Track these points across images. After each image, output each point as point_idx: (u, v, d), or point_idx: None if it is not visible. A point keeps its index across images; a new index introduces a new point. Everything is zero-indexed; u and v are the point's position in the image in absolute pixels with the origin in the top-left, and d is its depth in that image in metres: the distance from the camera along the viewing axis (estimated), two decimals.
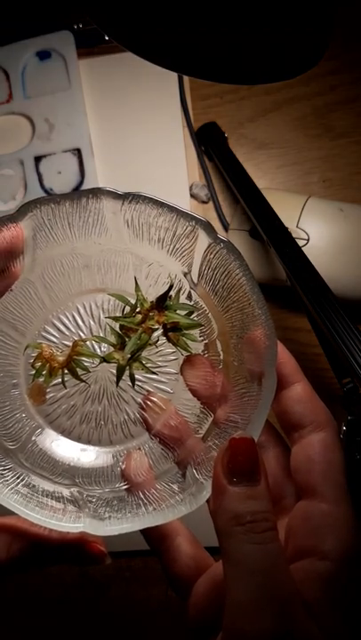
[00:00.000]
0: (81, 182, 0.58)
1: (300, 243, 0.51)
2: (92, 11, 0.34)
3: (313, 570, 0.28)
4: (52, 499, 0.31)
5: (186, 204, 0.58)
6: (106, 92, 0.61)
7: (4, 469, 0.31)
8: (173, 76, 0.60)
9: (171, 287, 0.32)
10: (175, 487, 0.32)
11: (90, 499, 0.32)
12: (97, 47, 0.61)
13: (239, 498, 0.27)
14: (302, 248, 0.48)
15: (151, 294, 0.33)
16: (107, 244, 0.34)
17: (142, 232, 0.33)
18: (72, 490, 0.33)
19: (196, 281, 0.34)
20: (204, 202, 0.59)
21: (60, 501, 0.31)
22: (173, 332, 0.33)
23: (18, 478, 0.31)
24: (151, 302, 0.33)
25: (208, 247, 0.31)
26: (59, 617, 0.54)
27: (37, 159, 0.59)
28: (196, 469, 0.32)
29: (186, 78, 0.60)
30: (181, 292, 0.34)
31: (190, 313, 0.33)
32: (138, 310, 0.33)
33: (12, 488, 0.30)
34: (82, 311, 0.36)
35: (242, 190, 0.54)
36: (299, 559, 0.28)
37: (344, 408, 0.43)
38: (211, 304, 0.34)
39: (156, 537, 0.34)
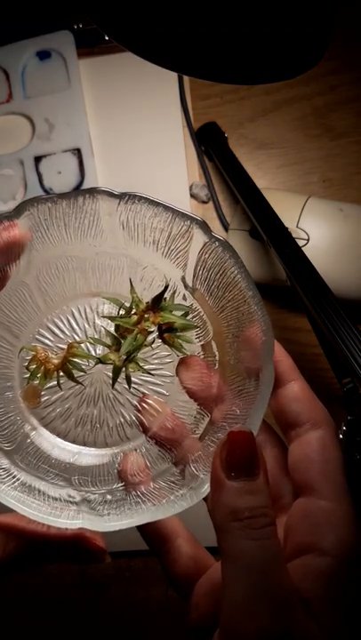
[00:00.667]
0: (81, 182, 0.58)
1: (300, 243, 0.51)
2: (92, 11, 0.34)
3: (313, 566, 0.28)
4: (50, 495, 0.31)
5: (186, 204, 0.58)
6: (106, 92, 0.61)
7: (1, 469, 0.31)
8: (173, 76, 0.60)
9: (166, 288, 0.32)
10: (174, 484, 0.32)
11: (88, 497, 0.32)
12: (97, 47, 0.61)
13: (237, 492, 0.26)
14: (302, 248, 0.48)
15: (146, 297, 0.33)
16: (102, 247, 0.34)
17: (137, 234, 0.33)
18: (70, 489, 0.33)
19: (190, 283, 0.34)
20: (204, 202, 0.59)
21: (58, 498, 0.31)
22: (169, 332, 0.33)
23: (14, 477, 0.31)
24: (147, 303, 0.33)
25: (203, 246, 0.31)
26: (59, 617, 0.54)
27: (37, 159, 0.59)
28: (194, 467, 0.31)
29: (186, 78, 0.60)
30: (176, 294, 0.34)
31: (186, 314, 0.33)
32: (133, 312, 0.33)
33: (9, 485, 0.30)
34: (76, 315, 0.36)
35: (242, 190, 0.54)
36: (298, 556, 0.28)
37: (344, 408, 0.43)
38: (206, 305, 0.34)
39: (156, 538, 0.34)
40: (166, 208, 0.31)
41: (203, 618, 0.31)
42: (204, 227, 0.31)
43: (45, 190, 0.58)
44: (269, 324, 0.30)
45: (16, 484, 0.31)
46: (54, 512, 0.30)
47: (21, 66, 0.60)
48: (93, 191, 0.31)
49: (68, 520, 0.29)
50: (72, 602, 0.54)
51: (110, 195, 0.31)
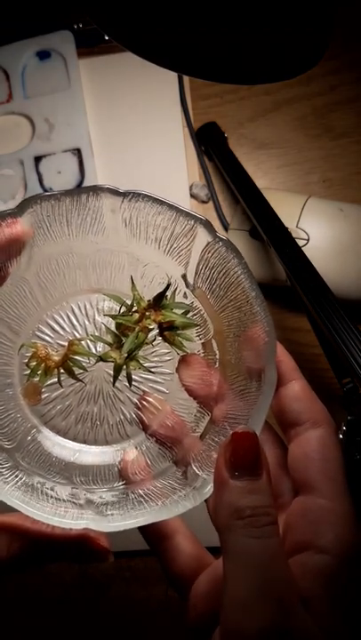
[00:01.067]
0: (81, 182, 0.58)
1: (300, 243, 0.51)
2: (92, 11, 0.34)
3: (311, 564, 0.28)
4: (53, 495, 0.31)
5: (186, 203, 0.58)
6: (106, 91, 0.61)
7: (3, 467, 0.31)
8: (173, 75, 0.60)
9: (168, 286, 0.32)
10: (176, 484, 0.32)
11: (91, 496, 0.32)
12: (97, 47, 0.61)
13: (240, 492, 0.26)
14: (302, 248, 0.48)
15: (146, 295, 0.33)
16: (103, 244, 0.34)
17: (140, 231, 0.33)
18: (71, 488, 0.33)
19: (192, 281, 0.34)
20: (204, 202, 0.59)
21: (61, 498, 0.31)
22: (169, 331, 0.33)
23: (18, 476, 0.31)
24: (148, 301, 0.33)
25: (206, 246, 0.32)
26: (59, 617, 0.54)
27: (37, 159, 0.59)
28: (196, 467, 0.32)
29: (186, 78, 0.60)
30: (177, 292, 0.34)
31: (186, 312, 0.33)
32: (135, 309, 0.33)
33: (12, 485, 0.30)
34: (77, 311, 0.36)
35: (242, 190, 0.54)
36: (296, 554, 0.28)
37: (344, 408, 0.43)
38: (207, 303, 0.34)
39: (155, 536, 0.34)
40: (170, 207, 0.31)
41: (201, 616, 0.31)
42: (209, 226, 0.31)
43: (45, 190, 0.58)
44: (272, 326, 0.30)
45: (19, 483, 0.31)
46: (58, 512, 0.30)
47: (21, 66, 0.60)
48: (97, 189, 0.31)
49: (72, 520, 0.29)
50: (72, 602, 0.54)
51: (114, 192, 0.31)
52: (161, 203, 0.31)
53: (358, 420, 0.39)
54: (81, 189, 0.31)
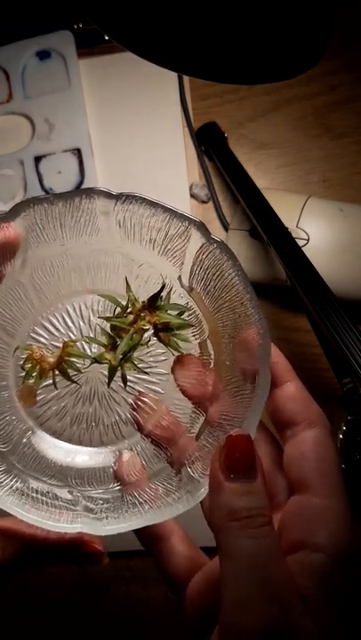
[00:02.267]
0: (81, 182, 0.58)
1: (300, 243, 0.51)
2: (92, 11, 0.34)
3: (307, 563, 0.28)
4: (48, 499, 0.31)
5: (186, 203, 0.58)
6: (106, 91, 0.61)
7: None
8: (173, 75, 0.60)
9: (163, 287, 0.32)
10: (170, 486, 0.32)
11: (85, 499, 0.32)
12: (97, 47, 0.61)
13: (236, 493, 0.27)
14: (302, 248, 0.48)
15: (141, 295, 0.33)
16: (97, 244, 0.34)
17: (134, 233, 0.33)
18: (66, 491, 0.33)
19: (187, 281, 0.34)
20: (204, 202, 0.59)
21: (55, 502, 0.31)
22: (164, 332, 0.33)
23: (12, 480, 0.31)
24: (143, 302, 0.33)
25: (201, 247, 0.31)
26: (59, 617, 0.54)
27: (37, 159, 0.59)
28: (190, 468, 0.31)
29: (186, 78, 0.60)
30: (172, 292, 0.34)
31: (181, 313, 0.33)
32: (129, 311, 0.33)
33: (7, 490, 0.30)
34: (71, 312, 0.36)
35: (242, 190, 0.54)
36: (291, 553, 0.28)
37: (344, 408, 0.43)
38: (202, 304, 0.34)
39: (150, 537, 0.34)
40: (164, 209, 0.31)
41: (199, 616, 0.31)
42: (202, 228, 0.31)
43: (45, 190, 0.58)
44: (266, 328, 0.30)
45: (14, 487, 0.31)
46: (53, 517, 0.30)
47: (21, 66, 0.60)
48: (90, 191, 0.31)
49: (66, 524, 0.30)
50: (72, 602, 0.54)
51: (107, 195, 0.31)
52: (154, 205, 0.31)
53: (358, 420, 0.39)
54: (74, 192, 0.31)
